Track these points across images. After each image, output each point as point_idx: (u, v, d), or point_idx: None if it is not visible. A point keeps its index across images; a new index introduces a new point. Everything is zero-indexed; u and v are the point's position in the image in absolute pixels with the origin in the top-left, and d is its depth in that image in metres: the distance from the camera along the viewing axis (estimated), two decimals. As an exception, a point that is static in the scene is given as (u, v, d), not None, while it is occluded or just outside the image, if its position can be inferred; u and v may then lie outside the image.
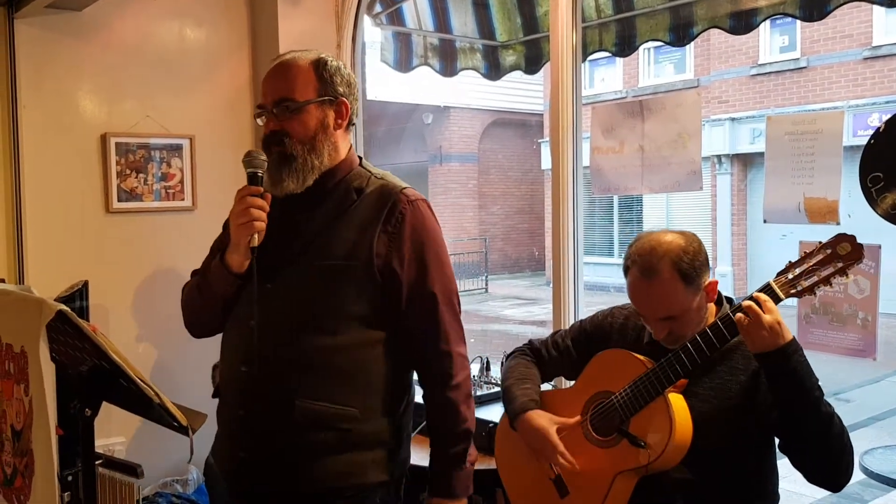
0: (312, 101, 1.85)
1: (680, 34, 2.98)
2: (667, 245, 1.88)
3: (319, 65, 1.87)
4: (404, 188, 1.89)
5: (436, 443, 1.91)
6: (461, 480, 1.90)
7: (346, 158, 1.92)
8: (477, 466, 2.46)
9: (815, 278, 1.75)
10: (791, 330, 1.77)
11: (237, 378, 1.90)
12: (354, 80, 1.95)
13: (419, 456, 2.06)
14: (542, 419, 2.06)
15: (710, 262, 1.94)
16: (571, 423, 2.03)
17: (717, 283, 1.93)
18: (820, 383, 1.76)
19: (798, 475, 1.83)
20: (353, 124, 1.96)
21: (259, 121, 1.90)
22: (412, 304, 1.85)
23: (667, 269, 1.86)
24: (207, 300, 1.97)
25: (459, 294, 1.97)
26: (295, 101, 1.83)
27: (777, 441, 1.87)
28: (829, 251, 1.75)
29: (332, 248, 1.82)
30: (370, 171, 1.93)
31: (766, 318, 1.71)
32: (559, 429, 2.02)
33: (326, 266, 1.82)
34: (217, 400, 2.05)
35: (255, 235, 1.80)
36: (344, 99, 1.89)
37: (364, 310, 1.83)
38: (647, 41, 3.14)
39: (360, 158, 1.98)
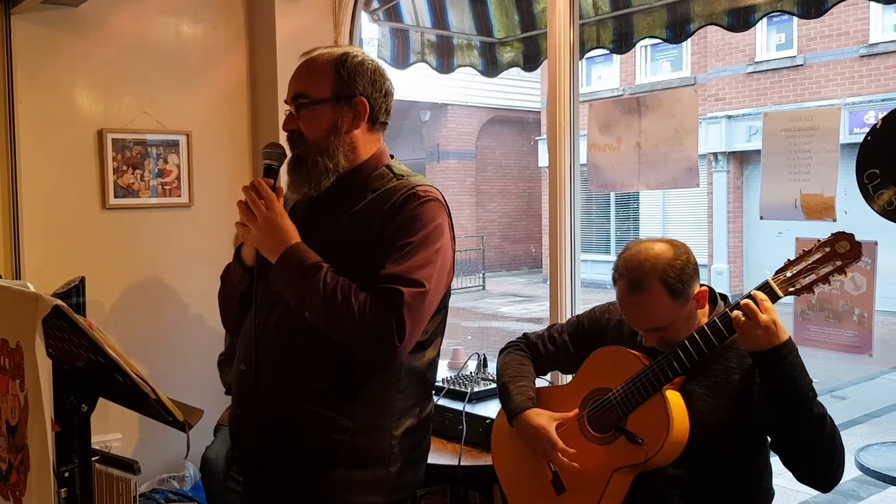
0: (326, 101, 1.78)
1: (677, 31, 2.98)
2: (654, 259, 1.87)
3: (339, 62, 1.80)
4: (419, 185, 1.77)
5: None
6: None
7: (371, 158, 1.83)
8: (474, 462, 2.49)
9: (814, 276, 1.74)
10: (788, 326, 1.77)
11: (238, 376, 1.88)
12: (381, 77, 1.83)
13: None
14: (541, 418, 2.05)
15: (705, 259, 1.94)
16: (570, 416, 2.03)
17: (706, 290, 1.93)
18: (814, 384, 1.76)
19: (792, 471, 1.84)
20: (384, 123, 1.86)
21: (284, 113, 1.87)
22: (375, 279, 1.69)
23: (654, 284, 1.85)
24: (229, 294, 1.95)
25: (451, 294, 1.86)
26: (309, 97, 1.79)
27: (769, 440, 1.87)
28: (827, 249, 1.75)
29: (336, 249, 1.76)
30: (392, 172, 1.83)
31: (763, 317, 1.71)
32: (558, 425, 2.02)
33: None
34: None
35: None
36: (363, 98, 1.80)
37: None
38: (644, 38, 3.14)
39: (392, 157, 1.89)
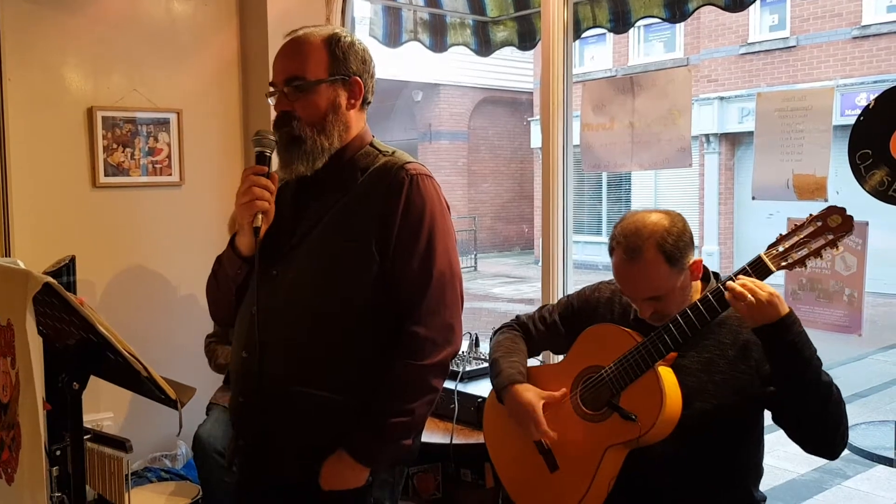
0: (323, 81, 1.77)
1: (675, 11, 2.96)
2: (651, 226, 1.88)
3: (332, 41, 1.79)
4: (407, 163, 1.80)
5: (376, 402, 1.75)
6: (377, 450, 1.76)
7: (356, 137, 1.84)
8: (466, 441, 2.49)
9: (806, 251, 1.75)
10: (778, 307, 1.77)
11: (239, 364, 1.86)
12: (370, 57, 1.85)
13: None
14: (529, 393, 2.05)
15: (696, 241, 1.94)
16: (558, 395, 2.04)
17: (701, 261, 1.94)
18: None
19: (780, 450, 1.84)
20: (369, 102, 1.88)
21: (270, 100, 1.83)
22: (401, 282, 1.76)
23: (651, 251, 1.86)
24: (223, 286, 1.90)
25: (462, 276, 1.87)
26: (305, 80, 1.76)
27: (771, 414, 1.88)
28: (819, 223, 1.75)
29: (333, 230, 1.77)
30: (378, 149, 1.85)
31: (763, 295, 1.71)
32: (546, 403, 2.03)
33: (327, 249, 1.77)
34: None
35: (259, 216, 1.75)
36: (357, 77, 1.81)
37: (366, 294, 1.76)
38: (642, 18, 3.11)
39: (373, 137, 1.90)
